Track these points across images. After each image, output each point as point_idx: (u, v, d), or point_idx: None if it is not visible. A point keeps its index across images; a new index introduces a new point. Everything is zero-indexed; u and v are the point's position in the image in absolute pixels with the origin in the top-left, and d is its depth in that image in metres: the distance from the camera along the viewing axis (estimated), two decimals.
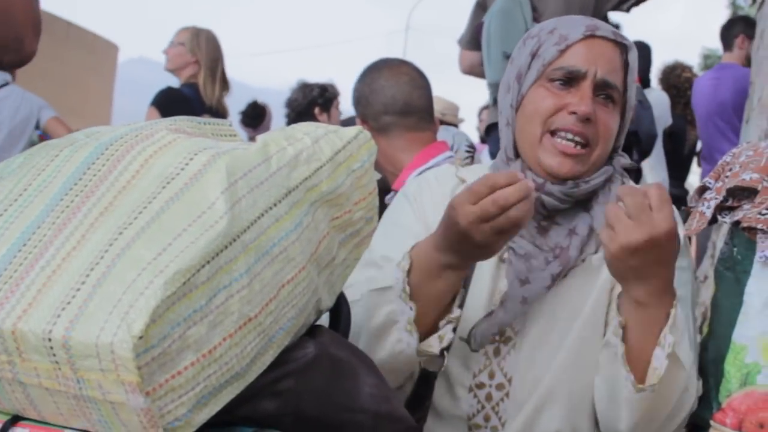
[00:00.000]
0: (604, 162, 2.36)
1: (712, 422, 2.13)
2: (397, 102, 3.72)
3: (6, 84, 5.01)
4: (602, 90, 2.30)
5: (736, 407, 2.11)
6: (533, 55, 2.34)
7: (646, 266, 2.00)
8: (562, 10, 4.54)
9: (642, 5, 5.11)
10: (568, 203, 2.32)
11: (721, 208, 2.27)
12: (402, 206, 2.50)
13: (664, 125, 7.12)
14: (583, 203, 2.34)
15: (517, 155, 2.38)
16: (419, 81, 3.80)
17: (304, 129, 1.76)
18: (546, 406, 2.28)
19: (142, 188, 1.56)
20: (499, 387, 2.31)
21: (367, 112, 3.73)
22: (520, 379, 2.30)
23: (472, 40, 5.59)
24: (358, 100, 3.78)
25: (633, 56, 2.36)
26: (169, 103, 6.22)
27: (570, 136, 2.28)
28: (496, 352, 2.32)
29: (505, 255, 2.34)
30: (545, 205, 2.31)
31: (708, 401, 2.18)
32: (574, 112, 2.26)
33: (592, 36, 2.31)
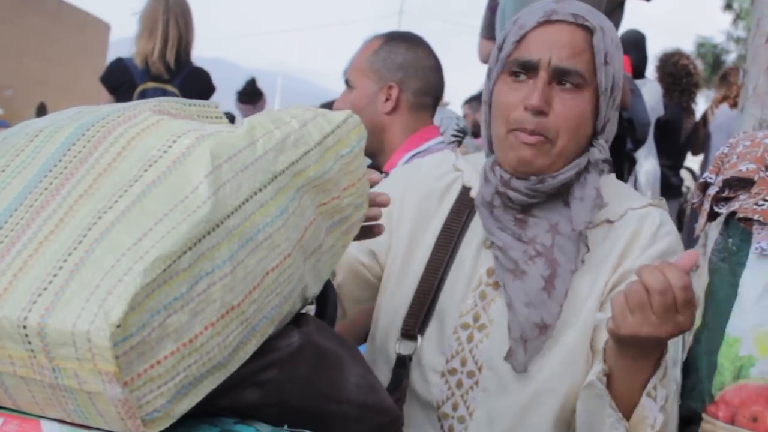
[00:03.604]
0: (576, 152, 2.29)
1: (704, 415, 2.11)
2: (439, 89, 3.67)
3: None
4: (560, 77, 2.25)
5: (728, 400, 2.08)
6: (499, 48, 2.32)
7: (651, 345, 2.02)
8: None
9: None
10: (539, 197, 2.27)
11: (718, 199, 2.24)
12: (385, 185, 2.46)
13: (656, 116, 7.10)
14: (560, 197, 2.29)
15: (492, 150, 2.36)
16: (444, 79, 3.77)
17: (292, 112, 1.72)
18: (534, 409, 2.24)
19: (124, 171, 1.52)
20: (470, 374, 2.28)
21: (410, 83, 3.59)
22: (490, 369, 2.27)
23: (489, 27, 5.55)
24: (402, 66, 3.59)
25: (598, 38, 2.27)
26: (110, 74, 6.17)
27: (526, 132, 2.24)
28: (470, 338, 2.30)
29: (489, 243, 2.32)
30: (512, 199, 2.27)
31: (700, 394, 2.16)
32: (527, 108, 2.23)
33: (548, 22, 2.26)
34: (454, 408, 2.29)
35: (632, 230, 2.29)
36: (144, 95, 5.83)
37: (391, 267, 2.43)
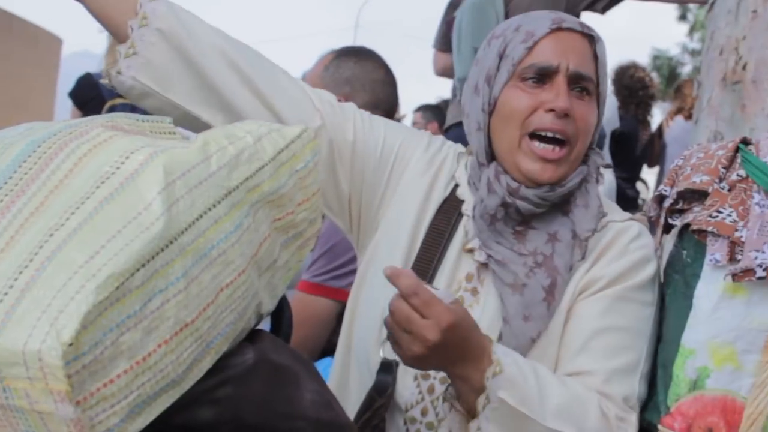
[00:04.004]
0: (581, 160, 2.31)
1: (660, 426, 2.12)
2: (389, 104, 3.62)
3: None
4: (576, 83, 2.25)
5: (684, 411, 2.09)
6: (501, 56, 2.28)
7: (444, 359, 2.00)
8: (535, 6, 4.52)
9: (615, 7, 5.11)
10: (544, 207, 2.26)
11: (672, 211, 2.25)
12: (410, 136, 2.47)
13: (611, 129, 7.14)
14: (560, 206, 2.28)
15: (491, 159, 2.32)
16: (397, 92, 3.74)
17: (246, 127, 1.72)
18: None
19: (76, 187, 1.50)
20: (443, 380, 2.23)
21: (357, 97, 3.52)
22: None
23: (443, 39, 5.58)
24: (348, 81, 3.58)
25: (602, 48, 2.31)
26: (78, 90, 6.16)
27: (550, 134, 2.22)
28: None
29: (475, 252, 2.29)
30: (520, 210, 2.24)
31: (656, 405, 2.16)
32: (551, 110, 2.21)
33: (559, 29, 2.26)
34: (423, 413, 2.25)
35: (608, 241, 2.28)
36: (113, 111, 5.83)
37: (374, 244, 2.40)
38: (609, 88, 7.85)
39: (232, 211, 1.58)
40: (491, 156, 2.32)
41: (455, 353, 1.99)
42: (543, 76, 2.24)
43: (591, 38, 2.29)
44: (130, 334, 1.39)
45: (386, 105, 3.59)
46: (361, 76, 3.58)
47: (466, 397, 2.05)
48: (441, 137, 2.52)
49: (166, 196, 1.47)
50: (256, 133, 1.71)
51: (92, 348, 1.34)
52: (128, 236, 1.42)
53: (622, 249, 2.26)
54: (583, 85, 2.26)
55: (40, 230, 1.45)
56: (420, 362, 2.00)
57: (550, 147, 2.23)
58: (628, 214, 2.37)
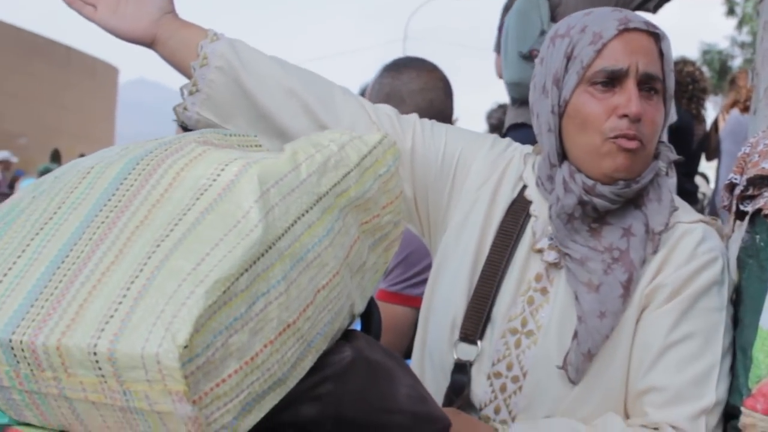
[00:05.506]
0: (652, 156, 2.32)
1: (742, 408, 2.12)
2: (434, 108, 3.53)
3: None
4: (646, 83, 2.25)
5: (766, 392, 2.10)
6: (568, 57, 2.29)
7: None
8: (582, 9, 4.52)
9: (666, 4, 5.12)
10: (619, 203, 2.27)
11: (742, 198, 2.27)
12: (473, 140, 2.52)
13: (669, 123, 7.10)
14: (633, 200, 2.29)
15: (563, 159, 2.33)
16: (450, 90, 3.69)
17: (330, 136, 1.78)
18: (576, 417, 2.24)
19: (176, 200, 1.58)
20: (514, 379, 2.28)
21: (399, 110, 3.50)
22: (535, 375, 2.27)
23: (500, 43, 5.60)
24: (389, 96, 3.53)
25: (666, 45, 2.31)
26: None
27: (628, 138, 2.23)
28: (517, 344, 2.30)
29: (544, 252, 2.32)
30: (597, 207, 2.26)
31: (738, 388, 2.18)
32: (625, 115, 2.22)
33: (626, 30, 2.25)
34: (497, 411, 2.29)
35: (672, 244, 2.28)
36: None
37: (443, 247, 2.45)
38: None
39: (323, 216, 1.64)
40: (563, 156, 2.33)
41: None
42: (613, 79, 2.24)
43: (656, 36, 2.29)
44: (238, 336, 1.45)
45: (428, 113, 3.51)
46: (398, 90, 3.56)
47: None
48: (507, 139, 2.55)
49: (262, 204, 1.54)
50: (339, 141, 1.77)
51: (205, 350, 1.40)
52: (230, 243, 1.49)
53: (689, 254, 2.26)
54: (651, 85, 2.26)
55: (146, 242, 1.53)
56: None
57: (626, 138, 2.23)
58: (698, 216, 2.36)
